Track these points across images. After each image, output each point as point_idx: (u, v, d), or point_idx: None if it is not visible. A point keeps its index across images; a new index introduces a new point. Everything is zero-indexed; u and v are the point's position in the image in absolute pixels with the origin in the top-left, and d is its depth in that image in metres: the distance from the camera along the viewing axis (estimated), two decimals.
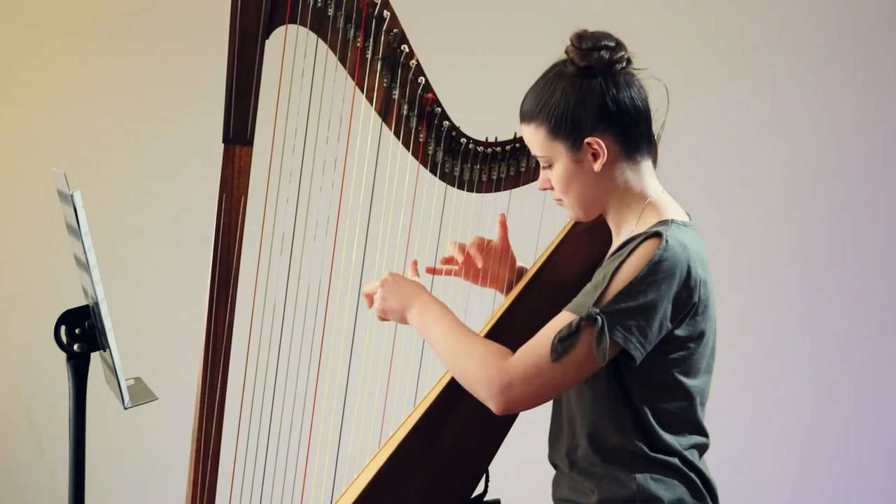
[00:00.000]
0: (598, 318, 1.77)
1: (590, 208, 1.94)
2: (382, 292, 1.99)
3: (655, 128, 1.94)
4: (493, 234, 2.18)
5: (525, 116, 1.93)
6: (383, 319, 2.01)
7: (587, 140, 1.87)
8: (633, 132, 1.90)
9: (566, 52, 1.91)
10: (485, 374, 1.83)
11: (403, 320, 1.98)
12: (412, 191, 2.07)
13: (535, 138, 1.91)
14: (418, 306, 1.95)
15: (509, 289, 2.16)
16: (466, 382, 1.88)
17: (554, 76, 1.90)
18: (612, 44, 1.90)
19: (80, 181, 1.86)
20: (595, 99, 1.87)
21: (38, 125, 3.70)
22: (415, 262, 2.08)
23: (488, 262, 2.17)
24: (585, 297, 1.82)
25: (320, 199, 2.06)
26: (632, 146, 1.90)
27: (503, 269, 2.17)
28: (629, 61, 1.91)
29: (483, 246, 2.17)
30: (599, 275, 1.84)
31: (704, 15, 3.58)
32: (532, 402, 1.84)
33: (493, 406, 1.84)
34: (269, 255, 2.05)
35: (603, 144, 1.87)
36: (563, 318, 1.82)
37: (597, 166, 1.89)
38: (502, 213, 2.16)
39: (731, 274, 3.52)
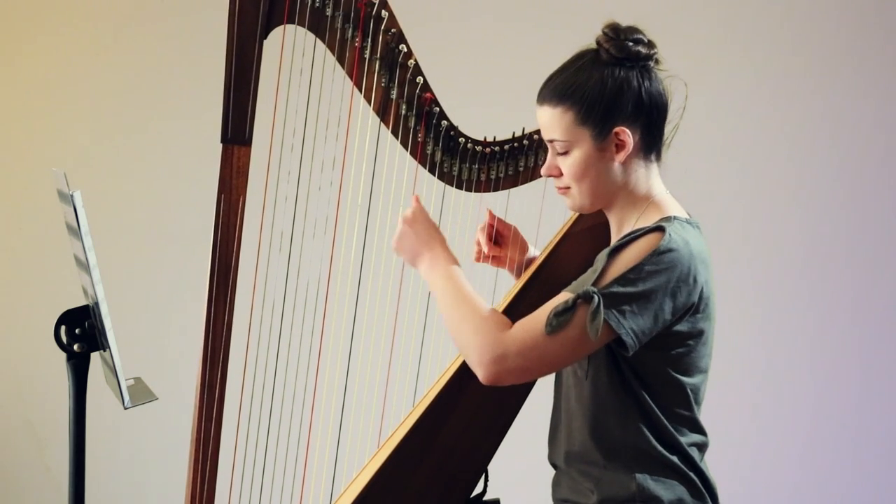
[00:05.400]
0: (595, 296, 1.78)
1: (597, 200, 1.93)
2: (402, 228, 1.99)
3: (667, 132, 1.95)
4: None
5: (549, 99, 1.90)
6: (396, 252, 2.01)
7: (616, 129, 1.87)
8: (655, 130, 1.91)
9: (598, 41, 1.90)
10: (480, 340, 1.83)
11: (413, 264, 1.98)
12: (411, 190, 2.07)
13: (560, 122, 1.89)
14: (431, 256, 1.95)
15: (519, 271, 2.17)
16: (460, 345, 1.88)
17: (588, 63, 1.89)
18: (647, 40, 1.91)
19: (80, 181, 1.86)
20: (633, 90, 1.87)
21: (38, 125, 3.70)
22: (416, 198, 2.05)
23: (503, 249, 2.18)
24: (584, 279, 1.83)
25: (319, 198, 2.06)
26: (651, 144, 1.91)
27: (515, 250, 2.18)
28: (657, 60, 1.92)
29: (491, 234, 2.18)
30: (599, 259, 1.84)
31: (705, 14, 3.59)
32: (522, 375, 1.84)
33: (482, 374, 1.82)
34: (268, 254, 2.05)
35: (630, 135, 1.87)
36: (562, 297, 1.82)
37: (620, 157, 1.88)
38: (488, 209, 2.15)
39: (732, 274, 3.52)
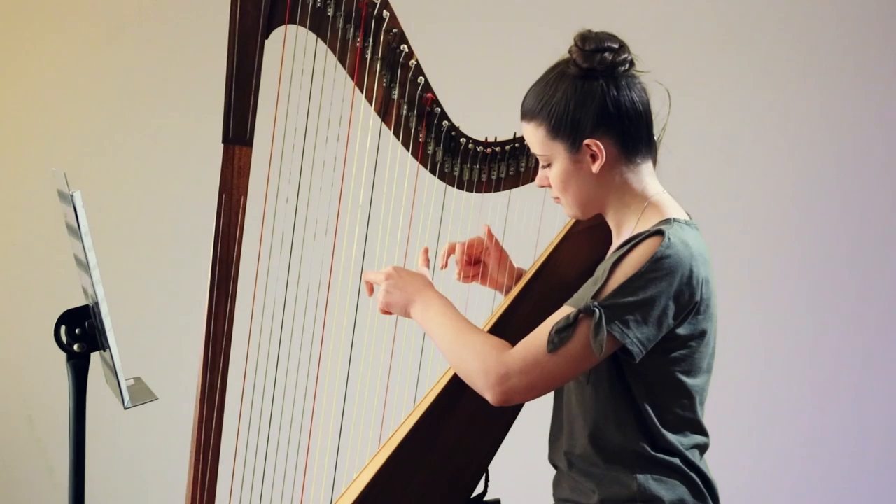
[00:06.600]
0: (596, 310, 1.78)
1: (587, 207, 1.94)
2: (386, 286, 1.99)
3: (656, 130, 1.95)
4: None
5: (525, 115, 1.93)
6: (386, 313, 2.01)
7: (586, 142, 1.88)
8: (632, 135, 1.90)
9: (569, 51, 1.91)
10: (482, 365, 1.84)
11: (406, 315, 1.99)
12: (412, 190, 2.07)
13: (535, 137, 1.92)
14: (421, 301, 1.96)
15: (507, 291, 2.16)
16: (465, 374, 1.89)
17: (556, 76, 1.90)
18: (616, 45, 1.90)
19: (80, 181, 1.86)
20: (596, 101, 1.87)
21: (38, 125, 3.70)
22: (426, 250, 2.08)
23: (485, 262, 2.17)
24: (585, 291, 1.83)
25: (320, 198, 2.06)
26: (631, 149, 1.91)
27: (496, 272, 2.18)
28: (632, 63, 1.91)
29: (476, 248, 2.17)
30: (600, 270, 1.85)
31: (705, 14, 3.59)
32: (529, 393, 1.84)
33: (490, 397, 1.84)
34: (269, 255, 2.05)
35: (602, 146, 1.88)
36: (562, 312, 1.82)
37: (595, 168, 1.89)
38: (486, 225, 2.16)
39: (731, 274, 3.52)
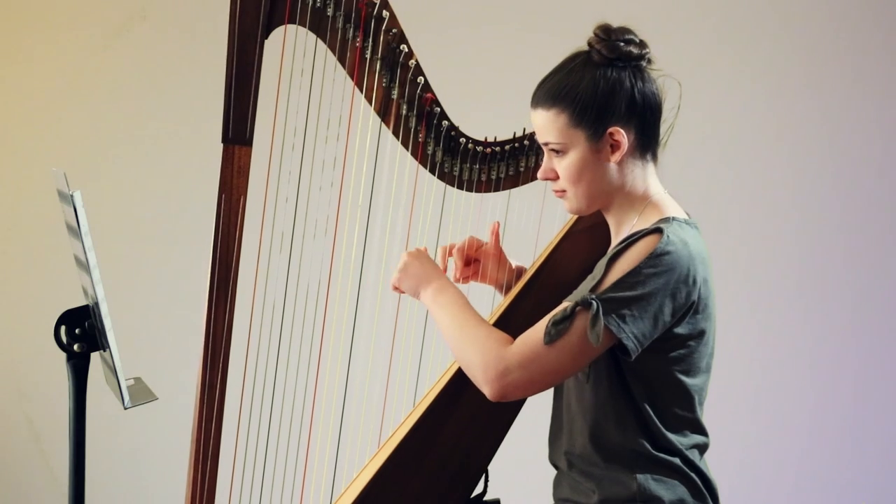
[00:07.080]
0: (593, 302, 1.78)
1: (593, 201, 1.93)
2: (407, 262, 2.00)
3: (662, 130, 1.95)
4: (487, 238, 2.19)
5: (543, 101, 1.90)
6: (396, 290, 2.02)
7: (610, 129, 1.87)
8: (650, 129, 1.91)
9: (590, 43, 1.91)
10: (482, 359, 1.84)
11: (416, 295, 1.99)
12: (411, 190, 2.07)
13: (554, 124, 1.89)
14: (434, 286, 1.96)
15: (507, 289, 2.16)
16: (465, 366, 1.89)
17: (580, 64, 1.89)
18: (638, 40, 1.91)
19: (80, 181, 1.86)
20: (625, 90, 1.87)
21: (38, 125, 3.70)
22: (444, 250, 2.08)
23: (483, 262, 2.18)
24: (583, 287, 1.83)
25: (319, 198, 2.06)
26: (646, 143, 1.91)
27: (495, 270, 2.18)
28: (650, 60, 1.92)
29: (474, 248, 2.17)
30: (598, 266, 1.85)
31: (705, 14, 3.59)
32: (528, 388, 1.84)
33: (488, 391, 1.84)
34: (269, 255, 2.05)
35: (625, 135, 1.87)
36: (561, 306, 1.83)
37: (615, 157, 1.88)
38: (496, 222, 2.16)
39: (731, 273, 3.52)
